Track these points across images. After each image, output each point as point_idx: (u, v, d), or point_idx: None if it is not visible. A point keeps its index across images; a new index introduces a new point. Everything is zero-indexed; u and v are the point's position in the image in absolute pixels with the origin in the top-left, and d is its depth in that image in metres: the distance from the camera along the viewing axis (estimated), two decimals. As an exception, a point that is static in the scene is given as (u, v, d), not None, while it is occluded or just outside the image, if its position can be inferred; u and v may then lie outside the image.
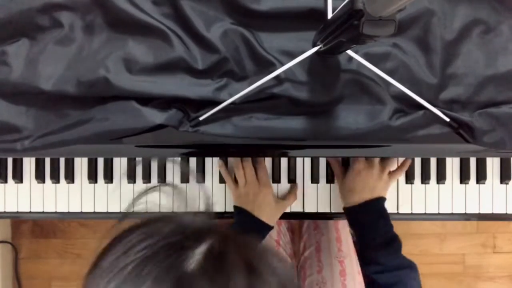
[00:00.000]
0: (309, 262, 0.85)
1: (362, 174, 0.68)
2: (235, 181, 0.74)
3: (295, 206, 0.77)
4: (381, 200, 0.68)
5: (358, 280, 0.79)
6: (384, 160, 0.71)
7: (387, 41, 0.62)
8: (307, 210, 0.76)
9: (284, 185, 0.76)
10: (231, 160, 0.76)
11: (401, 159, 0.75)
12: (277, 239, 0.89)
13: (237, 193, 0.73)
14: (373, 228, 0.66)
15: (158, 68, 0.60)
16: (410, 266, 0.64)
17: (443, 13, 0.62)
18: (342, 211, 0.75)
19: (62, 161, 0.77)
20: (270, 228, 0.71)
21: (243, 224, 0.71)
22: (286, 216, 0.77)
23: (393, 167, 0.73)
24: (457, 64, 0.62)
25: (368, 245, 0.66)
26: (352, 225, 0.69)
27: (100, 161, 0.76)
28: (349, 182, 0.69)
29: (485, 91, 0.62)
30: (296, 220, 0.96)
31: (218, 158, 0.76)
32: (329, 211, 0.76)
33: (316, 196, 0.76)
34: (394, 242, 0.65)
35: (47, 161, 0.77)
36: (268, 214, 0.71)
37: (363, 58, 0.54)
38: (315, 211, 0.76)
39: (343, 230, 0.88)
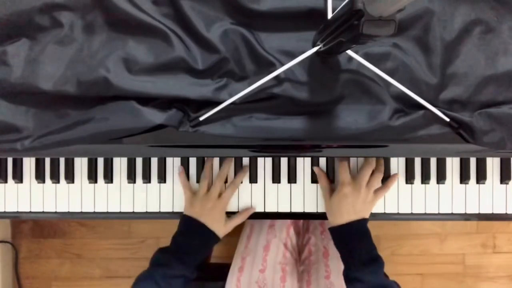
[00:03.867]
0: (315, 266, 0.85)
1: (348, 198, 0.69)
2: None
3: (295, 206, 0.76)
4: (364, 221, 0.69)
5: None
6: (370, 181, 0.71)
7: (387, 41, 0.62)
8: (307, 210, 0.76)
9: (284, 185, 0.76)
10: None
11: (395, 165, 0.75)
12: (285, 243, 0.89)
13: (191, 202, 0.73)
14: (356, 248, 0.67)
15: (158, 68, 0.60)
16: (392, 285, 0.66)
17: (443, 13, 0.62)
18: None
19: (62, 161, 0.77)
20: (218, 239, 0.72)
21: (194, 233, 0.71)
22: (286, 216, 0.77)
23: (378, 185, 0.73)
24: (457, 64, 0.62)
25: (351, 264, 0.67)
26: (336, 244, 0.71)
27: (100, 161, 0.76)
28: (335, 204, 0.70)
29: (485, 91, 0.62)
30: (301, 220, 0.96)
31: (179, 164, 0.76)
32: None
33: (316, 196, 0.76)
34: (376, 261, 0.66)
35: (47, 161, 0.77)
36: (218, 228, 0.72)
37: (363, 58, 0.54)
38: (315, 211, 0.76)
39: None
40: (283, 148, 0.68)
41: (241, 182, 0.75)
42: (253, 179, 0.76)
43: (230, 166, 0.75)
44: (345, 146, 0.66)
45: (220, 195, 0.73)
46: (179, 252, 0.69)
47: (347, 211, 0.68)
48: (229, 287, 0.83)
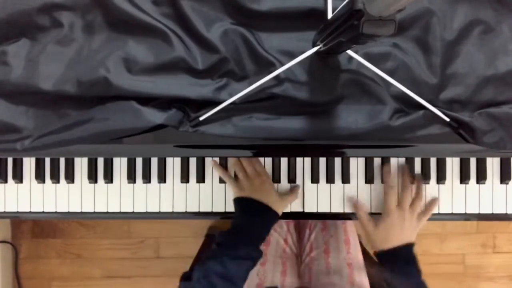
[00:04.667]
0: (316, 263, 0.85)
1: (395, 224, 0.70)
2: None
3: (295, 206, 0.77)
4: (411, 246, 0.70)
5: (366, 283, 0.79)
6: (412, 206, 0.72)
7: (387, 41, 0.62)
8: (307, 210, 0.76)
9: (284, 185, 0.76)
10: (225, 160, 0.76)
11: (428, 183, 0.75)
12: (286, 238, 0.89)
13: (239, 186, 0.73)
14: (401, 273, 0.68)
15: (158, 68, 0.60)
16: None
17: (443, 13, 0.62)
18: (341, 211, 0.76)
19: (62, 161, 0.77)
20: (277, 215, 0.71)
21: (250, 212, 0.70)
22: (287, 216, 0.77)
23: (420, 209, 0.73)
24: (457, 64, 0.62)
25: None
26: (383, 266, 0.71)
27: (100, 161, 0.76)
28: (383, 231, 0.70)
29: (485, 91, 0.62)
30: (302, 219, 0.96)
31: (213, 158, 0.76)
32: (329, 211, 0.76)
33: (316, 196, 0.76)
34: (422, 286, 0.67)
35: (47, 161, 0.77)
36: (275, 201, 0.71)
37: (363, 58, 0.54)
38: (315, 211, 0.76)
39: (352, 232, 0.88)
40: (283, 148, 0.67)
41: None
42: (253, 179, 0.76)
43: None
44: (345, 146, 0.66)
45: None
46: (242, 233, 0.68)
47: (395, 237, 0.69)
48: (250, 281, 0.82)
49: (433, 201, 0.74)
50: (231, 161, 0.76)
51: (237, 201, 0.72)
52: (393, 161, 0.76)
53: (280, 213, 0.72)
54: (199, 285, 0.60)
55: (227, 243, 0.67)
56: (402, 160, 0.76)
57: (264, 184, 0.72)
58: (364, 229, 0.73)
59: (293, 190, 0.76)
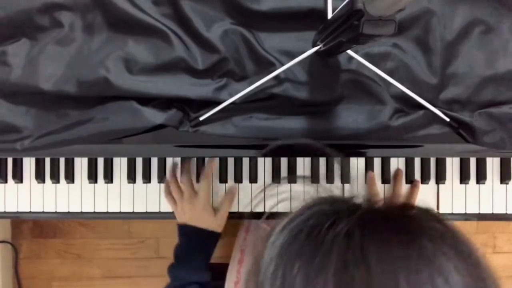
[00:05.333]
0: None
1: None
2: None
3: (294, 207, 0.76)
4: None
5: None
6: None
7: (387, 41, 0.62)
8: (307, 210, 0.76)
9: (285, 185, 0.76)
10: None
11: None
12: None
13: (177, 211, 0.72)
14: None
15: (158, 68, 0.60)
16: None
17: (443, 13, 0.62)
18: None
19: (62, 161, 0.77)
20: (218, 235, 0.72)
21: (190, 239, 0.71)
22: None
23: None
24: (457, 64, 0.62)
25: None
26: None
27: (100, 161, 0.76)
28: None
29: (485, 91, 0.62)
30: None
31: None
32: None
33: (316, 196, 0.76)
34: None
35: (47, 161, 0.77)
36: (209, 224, 0.71)
37: (363, 58, 0.54)
38: (315, 211, 0.76)
39: None
40: (283, 148, 0.67)
41: (212, 172, 0.74)
42: (253, 179, 0.76)
43: (190, 164, 0.75)
44: (345, 146, 0.66)
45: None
46: (183, 262, 0.69)
47: None
48: (229, 280, 0.83)
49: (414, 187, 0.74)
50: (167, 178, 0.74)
51: (178, 228, 0.72)
52: (393, 161, 0.76)
53: (220, 230, 0.72)
54: None
55: (175, 275, 0.69)
56: (401, 161, 0.76)
57: (194, 209, 0.71)
58: None
59: (226, 196, 0.74)
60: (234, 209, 0.76)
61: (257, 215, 0.76)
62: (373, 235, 0.30)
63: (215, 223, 0.72)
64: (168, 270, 0.72)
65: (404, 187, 0.74)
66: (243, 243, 0.88)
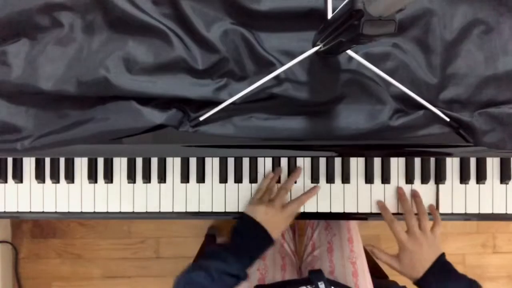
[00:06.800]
0: (319, 262, 0.85)
1: (416, 254, 0.69)
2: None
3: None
4: (440, 258, 0.69)
5: (368, 280, 0.79)
6: (421, 226, 0.71)
7: (387, 41, 0.62)
8: (307, 210, 0.76)
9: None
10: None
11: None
12: (283, 233, 0.89)
13: (256, 206, 0.72)
14: (448, 286, 0.67)
15: (158, 68, 0.60)
16: None
17: (443, 13, 0.62)
18: (341, 211, 0.75)
19: (62, 161, 0.77)
20: (273, 243, 0.71)
21: (253, 236, 0.70)
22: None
23: (429, 224, 0.72)
24: (457, 64, 0.62)
25: None
26: None
27: (100, 161, 0.76)
28: (408, 266, 0.69)
29: (485, 91, 0.62)
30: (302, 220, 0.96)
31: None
32: (329, 211, 0.76)
33: (316, 196, 0.76)
34: (474, 285, 0.67)
35: (47, 161, 0.77)
36: (276, 234, 0.71)
37: (363, 58, 0.54)
38: (315, 211, 0.76)
39: (354, 230, 0.88)
40: (283, 148, 0.67)
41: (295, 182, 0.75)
42: (252, 179, 0.76)
43: (297, 178, 0.75)
44: (345, 146, 0.66)
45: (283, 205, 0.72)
46: (238, 252, 0.68)
47: (421, 263, 0.68)
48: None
49: (433, 209, 0.74)
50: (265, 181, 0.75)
51: (248, 218, 0.71)
52: (393, 161, 0.76)
53: (276, 239, 0.72)
54: None
55: (220, 257, 0.67)
56: (401, 161, 0.76)
57: (276, 218, 0.71)
58: (392, 267, 0.73)
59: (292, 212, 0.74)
60: (234, 208, 0.76)
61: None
62: None
63: (278, 232, 0.72)
64: (215, 247, 0.70)
65: (409, 202, 0.74)
66: None
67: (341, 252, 0.83)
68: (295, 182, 0.75)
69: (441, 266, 0.68)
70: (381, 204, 0.75)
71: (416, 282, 0.69)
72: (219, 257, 0.66)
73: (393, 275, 0.75)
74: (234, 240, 0.69)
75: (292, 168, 0.76)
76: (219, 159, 0.76)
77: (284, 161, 0.76)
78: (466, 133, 0.61)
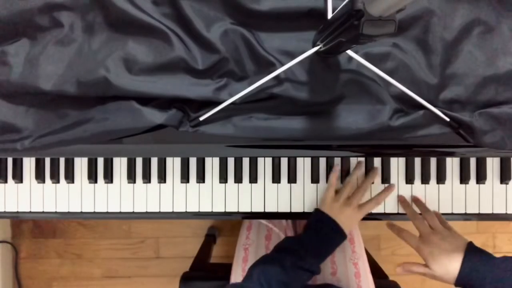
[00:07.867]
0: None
1: (443, 257, 0.65)
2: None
3: (295, 206, 0.76)
4: (470, 250, 0.64)
5: (370, 281, 0.79)
6: (431, 225, 0.70)
7: (387, 41, 0.62)
8: (307, 210, 0.76)
9: (285, 184, 0.76)
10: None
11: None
12: (285, 231, 0.89)
13: (332, 201, 0.73)
14: (488, 277, 0.60)
15: (158, 68, 0.60)
16: None
17: (443, 13, 0.62)
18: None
19: (62, 161, 0.77)
20: (346, 239, 0.72)
21: (328, 232, 0.71)
22: (286, 216, 0.77)
23: (437, 220, 0.71)
24: (457, 64, 0.62)
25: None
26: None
27: (100, 161, 0.76)
28: (441, 271, 0.65)
29: (485, 91, 0.62)
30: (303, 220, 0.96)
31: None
32: (329, 211, 0.76)
33: (316, 196, 0.76)
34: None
35: (47, 161, 0.77)
36: (349, 227, 0.72)
37: (363, 58, 0.54)
38: (315, 211, 0.76)
39: (356, 231, 0.88)
40: (283, 148, 0.67)
41: (373, 183, 0.76)
42: (252, 179, 0.76)
43: (374, 179, 0.75)
44: (345, 146, 0.66)
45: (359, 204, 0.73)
46: (313, 247, 0.68)
47: (451, 264, 0.64)
48: (234, 278, 0.83)
49: (419, 202, 0.74)
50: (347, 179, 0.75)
51: (323, 215, 0.72)
52: (393, 161, 0.76)
53: (347, 234, 0.73)
54: (260, 287, 0.60)
55: (296, 251, 0.67)
56: (401, 161, 0.76)
57: (351, 218, 0.72)
58: (431, 277, 0.69)
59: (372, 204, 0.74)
60: (233, 208, 0.76)
61: (257, 215, 0.76)
62: None
63: (348, 231, 0.73)
64: (289, 241, 0.70)
65: (411, 207, 0.74)
66: (246, 241, 0.88)
67: (343, 253, 0.83)
68: (372, 183, 0.75)
69: (472, 258, 0.63)
70: (402, 199, 0.75)
71: (457, 282, 0.64)
72: (293, 251, 0.67)
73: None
74: (309, 235, 0.70)
75: (292, 168, 0.76)
76: (219, 159, 0.76)
77: (284, 161, 0.76)
78: (466, 133, 0.61)
